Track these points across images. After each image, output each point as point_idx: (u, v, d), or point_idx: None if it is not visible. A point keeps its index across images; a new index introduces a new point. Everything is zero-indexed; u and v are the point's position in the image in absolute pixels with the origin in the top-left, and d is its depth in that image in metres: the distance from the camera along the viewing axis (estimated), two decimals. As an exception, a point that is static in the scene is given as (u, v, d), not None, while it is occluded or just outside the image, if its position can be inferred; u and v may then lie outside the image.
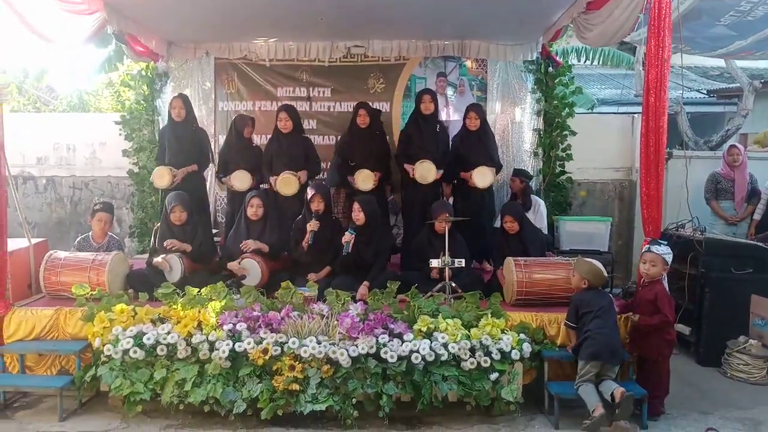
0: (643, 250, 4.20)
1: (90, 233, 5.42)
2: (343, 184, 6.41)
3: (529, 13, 5.99)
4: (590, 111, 10.12)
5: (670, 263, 4.16)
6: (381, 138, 6.28)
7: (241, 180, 6.00)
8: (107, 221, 5.41)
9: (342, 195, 6.76)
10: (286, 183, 5.79)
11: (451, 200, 6.48)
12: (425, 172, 5.76)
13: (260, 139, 6.82)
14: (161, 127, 6.85)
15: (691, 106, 10.74)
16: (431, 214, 5.13)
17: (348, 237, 4.97)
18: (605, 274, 4.17)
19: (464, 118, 6.10)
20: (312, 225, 5.10)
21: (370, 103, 6.59)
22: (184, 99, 6.07)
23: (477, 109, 6.16)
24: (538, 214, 6.40)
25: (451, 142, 6.34)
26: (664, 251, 4.12)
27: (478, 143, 6.00)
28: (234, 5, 5.68)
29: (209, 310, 4.13)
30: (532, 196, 6.57)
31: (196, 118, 6.42)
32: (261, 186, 6.10)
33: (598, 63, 10.12)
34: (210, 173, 7.28)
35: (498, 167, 6.21)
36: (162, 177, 5.79)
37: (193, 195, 5.63)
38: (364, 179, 5.90)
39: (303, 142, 6.09)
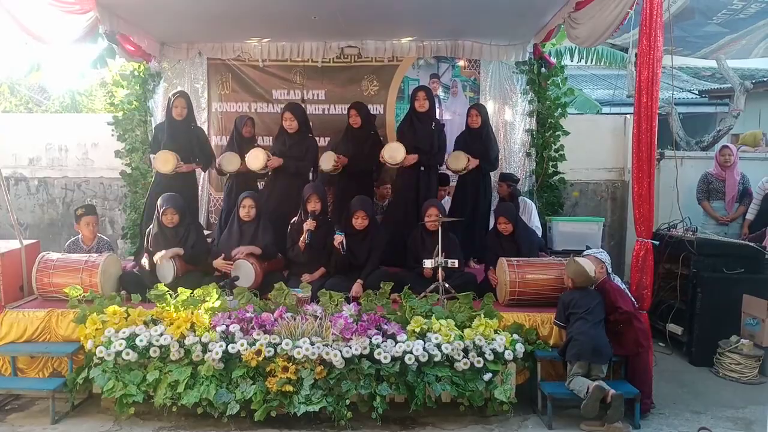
0: None
1: (79, 237, 5.43)
2: (332, 184, 6.39)
3: (521, 13, 5.99)
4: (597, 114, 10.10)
5: (604, 263, 4.40)
6: (375, 138, 6.29)
7: (255, 157, 5.87)
8: (94, 223, 5.45)
9: (331, 193, 6.73)
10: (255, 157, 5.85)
11: (448, 200, 6.50)
12: (393, 151, 5.72)
13: (261, 141, 6.84)
14: (157, 124, 6.62)
15: (683, 107, 10.80)
16: (421, 213, 5.12)
17: (338, 238, 4.97)
18: (592, 274, 4.18)
19: (467, 116, 6.23)
20: (308, 224, 5.09)
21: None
22: (186, 97, 5.91)
23: (479, 107, 6.30)
24: (527, 214, 6.39)
25: (454, 142, 6.36)
26: (590, 252, 4.48)
27: (479, 141, 6.07)
28: (227, 4, 5.65)
29: (202, 312, 4.12)
30: (520, 197, 6.57)
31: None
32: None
33: (592, 62, 10.14)
34: (203, 175, 7.27)
35: (493, 167, 6.31)
36: (166, 162, 5.60)
37: (186, 195, 5.60)
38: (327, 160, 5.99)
39: (308, 144, 5.98)
